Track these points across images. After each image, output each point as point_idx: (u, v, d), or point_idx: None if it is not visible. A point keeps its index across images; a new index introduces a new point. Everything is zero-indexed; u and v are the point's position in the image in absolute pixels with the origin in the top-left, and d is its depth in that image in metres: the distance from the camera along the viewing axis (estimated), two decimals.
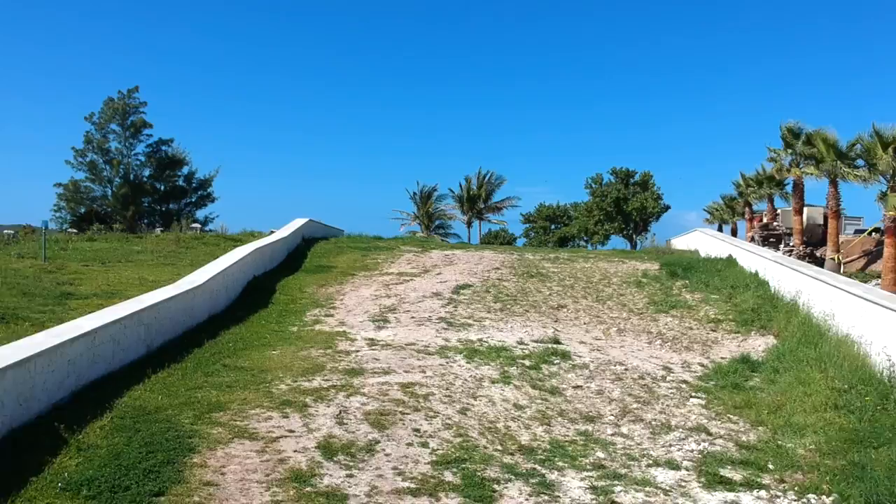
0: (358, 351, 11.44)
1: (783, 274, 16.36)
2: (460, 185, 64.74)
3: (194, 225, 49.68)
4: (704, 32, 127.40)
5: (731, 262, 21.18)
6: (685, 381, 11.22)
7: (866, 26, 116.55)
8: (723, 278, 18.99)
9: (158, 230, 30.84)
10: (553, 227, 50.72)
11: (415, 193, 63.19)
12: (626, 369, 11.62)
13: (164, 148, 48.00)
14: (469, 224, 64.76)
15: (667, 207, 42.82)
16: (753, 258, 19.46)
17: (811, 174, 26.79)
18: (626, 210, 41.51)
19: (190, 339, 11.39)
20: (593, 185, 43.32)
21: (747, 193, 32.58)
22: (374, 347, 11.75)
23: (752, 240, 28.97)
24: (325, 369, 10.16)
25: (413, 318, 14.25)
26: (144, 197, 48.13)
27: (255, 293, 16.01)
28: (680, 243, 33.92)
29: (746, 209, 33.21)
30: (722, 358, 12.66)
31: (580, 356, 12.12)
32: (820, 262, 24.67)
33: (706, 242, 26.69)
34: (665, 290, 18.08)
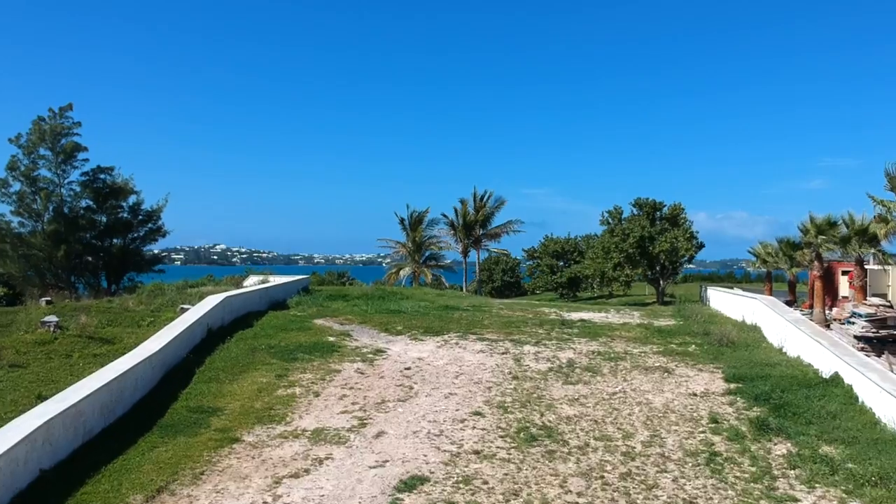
0: None
1: None
2: (455, 210, 57.26)
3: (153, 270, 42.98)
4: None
5: (846, 394, 13.58)
6: None
7: None
8: (848, 438, 11.48)
9: (43, 301, 23.42)
10: (562, 263, 43.11)
11: (403, 219, 55.80)
12: None
13: (102, 176, 40.74)
14: (465, 253, 57.15)
15: (701, 246, 35.21)
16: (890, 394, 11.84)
17: None
18: (651, 252, 33.87)
19: None
20: (611, 221, 35.66)
21: (818, 244, 24.95)
22: None
23: (843, 324, 21.39)
24: None
25: None
26: (81, 233, 40.86)
27: None
28: (728, 307, 26.30)
29: (816, 263, 25.57)
30: None
31: None
32: None
33: (777, 327, 19.07)
34: (762, 474, 10.49)
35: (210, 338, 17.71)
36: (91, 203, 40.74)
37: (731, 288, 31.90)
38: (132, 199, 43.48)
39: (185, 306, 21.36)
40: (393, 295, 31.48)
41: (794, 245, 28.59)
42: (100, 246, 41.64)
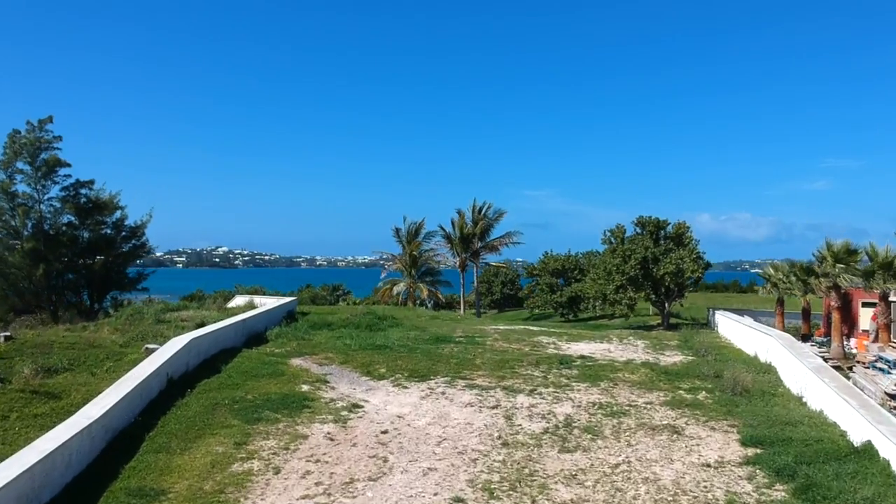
0: None
1: None
2: (452, 222, 55.56)
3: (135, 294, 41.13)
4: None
5: (882, 472, 11.85)
6: None
7: None
8: None
9: (1, 338, 21.72)
10: (561, 281, 41.40)
11: (399, 230, 54.15)
12: None
13: (84, 191, 39.20)
14: (463, 268, 55.39)
15: (707, 266, 33.48)
16: None
17: None
18: (655, 274, 32.17)
19: None
20: (613, 241, 33.95)
21: (835, 274, 23.22)
22: None
23: (866, 367, 19.64)
24: None
25: None
26: (62, 250, 39.26)
27: None
28: (739, 338, 24.63)
29: (833, 293, 23.83)
30: None
31: None
32: None
33: (795, 372, 17.36)
34: None
35: (170, 388, 16.05)
36: (73, 219, 39.25)
37: (741, 314, 30.18)
38: (117, 213, 42.06)
39: (151, 346, 19.74)
40: (382, 321, 29.83)
41: (809, 270, 26.85)
42: (81, 264, 40.10)
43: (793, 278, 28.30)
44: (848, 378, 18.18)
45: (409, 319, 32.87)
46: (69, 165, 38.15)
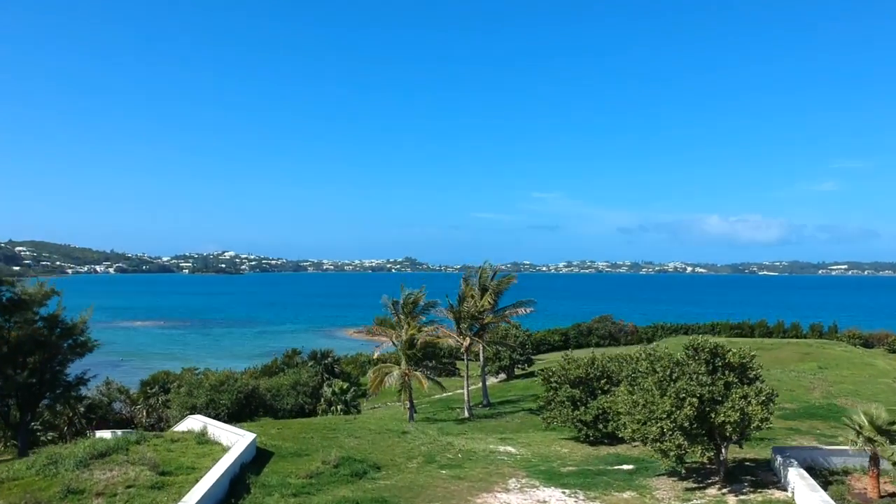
0: None
1: None
2: (459, 296, 48.38)
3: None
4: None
5: None
6: None
7: None
8: None
9: None
10: (585, 391, 34.07)
11: (396, 302, 46.89)
12: None
13: (2, 288, 32.41)
14: (468, 350, 48.22)
15: (769, 407, 26.17)
16: None
17: None
18: (713, 420, 24.91)
19: None
20: (657, 369, 26.73)
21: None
22: None
23: None
24: None
25: None
26: None
27: None
28: None
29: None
30: None
31: None
32: None
33: None
34: None
35: None
36: None
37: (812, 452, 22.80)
38: (52, 305, 35.31)
39: None
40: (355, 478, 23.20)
41: None
42: (3, 371, 33.27)
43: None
44: None
45: (395, 465, 25.96)
46: None
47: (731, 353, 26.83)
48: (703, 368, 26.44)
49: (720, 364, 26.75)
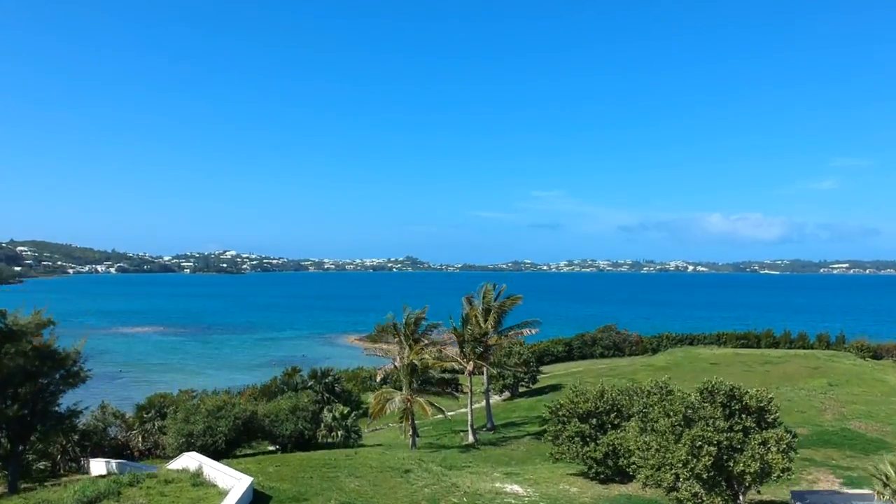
0: None
1: None
2: (462, 318, 47.20)
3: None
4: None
5: None
6: None
7: None
8: None
9: None
10: (595, 426, 32.90)
11: (396, 325, 45.68)
12: None
13: None
14: (472, 374, 47.06)
15: (790, 455, 25.06)
16: None
17: None
18: (731, 470, 23.77)
19: None
20: (671, 413, 25.59)
21: None
22: None
23: None
24: None
25: None
26: None
27: None
28: None
29: None
30: None
31: None
32: None
33: None
34: None
35: None
36: None
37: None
38: (47, 333, 34.25)
39: None
40: None
41: None
42: None
43: None
44: None
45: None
46: None
47: (748, 395, 25.71)
48: (719, 412, 25.32)
49: (737, 408, 25.64)
